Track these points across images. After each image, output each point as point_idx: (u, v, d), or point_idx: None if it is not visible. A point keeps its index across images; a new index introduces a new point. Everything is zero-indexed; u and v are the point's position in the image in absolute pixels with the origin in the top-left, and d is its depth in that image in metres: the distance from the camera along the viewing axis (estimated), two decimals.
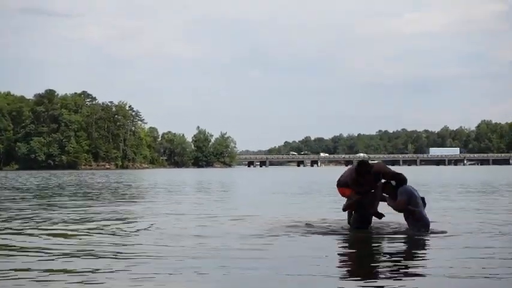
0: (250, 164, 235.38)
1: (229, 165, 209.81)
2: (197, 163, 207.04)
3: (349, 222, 12.75)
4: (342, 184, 12.65)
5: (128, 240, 11.65)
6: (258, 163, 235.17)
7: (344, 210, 12.71)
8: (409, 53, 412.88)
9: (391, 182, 12.21)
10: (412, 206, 11.74)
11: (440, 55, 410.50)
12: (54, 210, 18.93)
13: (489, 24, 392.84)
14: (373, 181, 12.25)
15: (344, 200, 12.80)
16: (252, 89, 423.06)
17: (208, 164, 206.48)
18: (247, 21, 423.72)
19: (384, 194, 12.33)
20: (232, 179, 59.49)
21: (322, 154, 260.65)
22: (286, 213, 16.86)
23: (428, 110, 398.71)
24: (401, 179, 12.12)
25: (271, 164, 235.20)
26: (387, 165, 12.84)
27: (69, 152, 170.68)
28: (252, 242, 11.12)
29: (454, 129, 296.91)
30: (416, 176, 50.65)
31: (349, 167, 13.29)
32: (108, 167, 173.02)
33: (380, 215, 12.51)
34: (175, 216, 16.63)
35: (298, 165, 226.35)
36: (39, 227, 13.95)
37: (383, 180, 12.29)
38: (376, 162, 13.02)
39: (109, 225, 14.17)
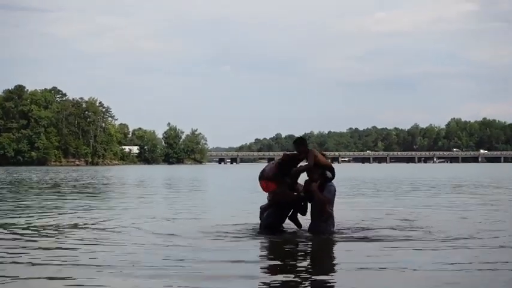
0: (221, 160, 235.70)
1: (200, 162, 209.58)
2: (168, 160, 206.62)
3: (260, 218, 12.24)
4: (265, 177, 12.09)
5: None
6: (229, 160, 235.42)
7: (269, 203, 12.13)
8: (380, 51, 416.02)
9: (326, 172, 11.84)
10: (331, 207, 11.76)
11: (411, 54, 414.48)
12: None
13: (460, 23, 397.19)
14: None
15: (264, 195, 12.38)
16: (223, 86, 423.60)
17: (179, 161, 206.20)
18: (219, 19, 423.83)
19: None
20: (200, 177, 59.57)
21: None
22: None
23: (398, 108, 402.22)
24: (333, 172, 11.90)
25: (242, 161, 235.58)
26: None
27: (39, 148, 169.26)
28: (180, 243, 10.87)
29: (424, 127, 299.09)
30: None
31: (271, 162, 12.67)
32: (78, 163, 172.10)
33: (299, 225, 12.17)
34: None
35: (269, 162, 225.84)
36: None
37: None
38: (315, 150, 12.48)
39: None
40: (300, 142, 12.08)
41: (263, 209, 12.21)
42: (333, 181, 11.99)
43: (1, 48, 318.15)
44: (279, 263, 9.27)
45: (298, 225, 12.15)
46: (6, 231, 12.66)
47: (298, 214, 12.17)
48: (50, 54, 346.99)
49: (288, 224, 12.24)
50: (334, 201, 11.96)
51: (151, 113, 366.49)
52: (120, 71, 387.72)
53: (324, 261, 9.64)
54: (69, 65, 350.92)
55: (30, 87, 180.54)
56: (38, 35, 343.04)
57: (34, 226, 13.42)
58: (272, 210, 12.03)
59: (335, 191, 11.94)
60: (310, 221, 11.90)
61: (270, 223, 12.00)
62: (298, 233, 11.93)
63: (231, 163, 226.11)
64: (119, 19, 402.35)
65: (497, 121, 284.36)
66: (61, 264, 8.72)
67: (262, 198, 12.61)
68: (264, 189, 12.16)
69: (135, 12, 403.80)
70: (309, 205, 12.00)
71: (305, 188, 11.97)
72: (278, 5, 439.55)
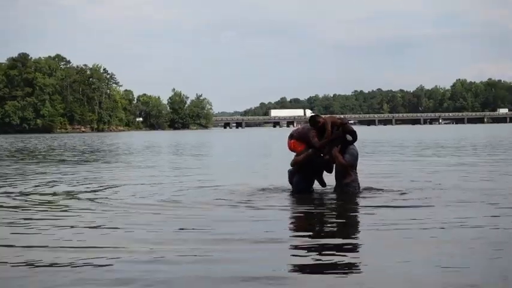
0: (226, 125, 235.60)
1: (206, 127, 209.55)
2: (173, 125, 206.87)
3: (290, 182, 12.44)
4: (294, 137, 12.41)
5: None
6: (234, 124, 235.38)
7: (292, 165, 12.27)
8: (382, 14, 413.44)
9: (347, 136, 12.01)
10: (354, 169, 11.94)
11: (414, 16, 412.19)
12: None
13: None
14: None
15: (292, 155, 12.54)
16: (227, 51, 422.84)
17: (184, 126, 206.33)
18: None
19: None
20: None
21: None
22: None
23: (403, 70, 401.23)
24: (355, 135, 12.06)
25: (248, 125, 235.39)
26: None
27: (44, 115, 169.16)
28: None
29: (429, 88, 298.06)
30: None
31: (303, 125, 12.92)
32: (83, 130, 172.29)
33: (324, 183, 12.42)
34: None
35: (274, 126, 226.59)
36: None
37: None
38: (328, 116, 12.77)
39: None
40: (313, 119, 12.30)
41: (291, 173, 12.44)
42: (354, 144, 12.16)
43: (4, 17, 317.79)
44: (301, 225, 9.53)
45: (323, 183, 12.45)
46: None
47: (325, 172, 12.39)
48: (53, 22, 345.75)
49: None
50: (358, 164, 12.12)
51: (155, 80, 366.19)
52: (123, 38, 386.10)
53: (346, 224, 9.48)
54: (72, 32, 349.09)
55: (34, 55, 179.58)
56: (40, 4, 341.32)
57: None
58: (300, 177, 12.28)
59: (357, 153, 12.16)
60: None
61: (300, 190, 12.23)
62: (323, 194, 12.08)
63: (237, 127, 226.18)
64: None
65: (502, 81, 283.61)
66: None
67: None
68: (292, 148, 12.45)
69: None
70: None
71: (327, 151, 12.13)
72: None
